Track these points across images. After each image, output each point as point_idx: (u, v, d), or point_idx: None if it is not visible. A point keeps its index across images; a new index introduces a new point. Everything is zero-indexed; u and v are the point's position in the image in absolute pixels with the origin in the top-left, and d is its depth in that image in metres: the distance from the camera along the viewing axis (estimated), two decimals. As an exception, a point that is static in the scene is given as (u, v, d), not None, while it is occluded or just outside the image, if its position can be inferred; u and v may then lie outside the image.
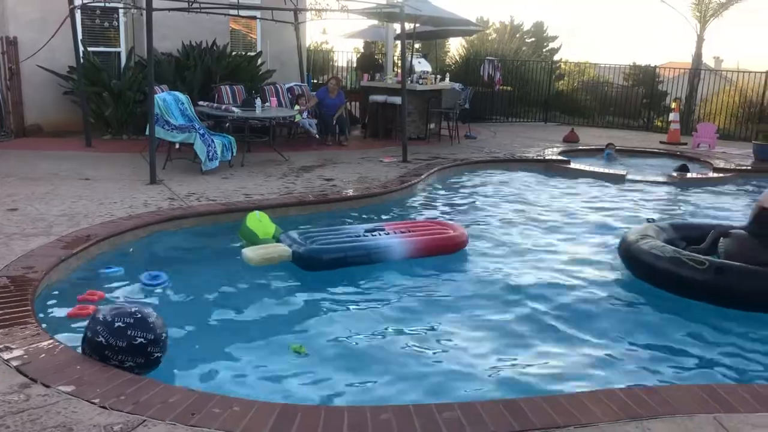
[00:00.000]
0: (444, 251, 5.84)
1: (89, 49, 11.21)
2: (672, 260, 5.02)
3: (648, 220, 6.14)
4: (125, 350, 3.32)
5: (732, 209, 8.36)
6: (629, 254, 5.47)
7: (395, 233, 5.83)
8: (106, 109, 10.86)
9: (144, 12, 8.17)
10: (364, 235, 5.71)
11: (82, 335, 3.46)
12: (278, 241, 5.63)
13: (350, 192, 7.81)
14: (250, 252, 5.35)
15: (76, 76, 10.50)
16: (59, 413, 2.81)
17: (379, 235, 5.76)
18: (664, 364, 4.06)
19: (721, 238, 5.41)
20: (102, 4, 10.30)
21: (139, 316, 3.42)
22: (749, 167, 11.32)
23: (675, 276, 4.98)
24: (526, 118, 18.15)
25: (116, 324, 3.35)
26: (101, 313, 3.42)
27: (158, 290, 4.74)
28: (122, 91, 10.83)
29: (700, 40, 17.82)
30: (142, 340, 3.36)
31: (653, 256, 5.16)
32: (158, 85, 9.72)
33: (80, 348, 3.45)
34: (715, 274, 4.81)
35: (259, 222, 5.76)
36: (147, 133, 8.12)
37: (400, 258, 5.58)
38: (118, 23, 11.96)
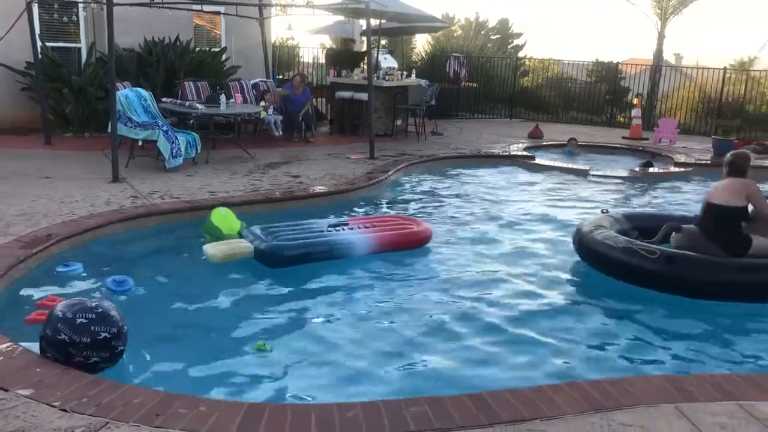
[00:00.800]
0: (407, 246, 5.85)
1: (48, 44, 10.95)
2: (624, 250, 5.14)
3: (602, 211, 6.22)
4: (90, 346, 3.27)
5: (691, 203, 8.52)
6: (583, 245, 5.57)
7: (359, 229, 5.81)
8: (66, 106, 10.62)
9: (105, 6, 8.01)
10: (328, 231, 5.69)
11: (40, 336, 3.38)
12: (241, 237, 5.57)
13: (317, 189, 7.77)
14: (211, 248, 5.29)
15: (34, 72, 10.25)
16: (18, 417, 2.74)
17: (343, 230, 5.74)
18: (626, 354, 4.13)
19: (673, 233, 5.53)
20: (61, -1, 10.08)
21: (100, 310, 3.37)
22: (709, 162, 11.57)
23: (627, 265, 5.10)
24: (492, 115, 18.28)
25: (78, 320, 3.28)
26: (59, 310, 3.34)
27: (121, 297, 4.65)
28: (83, 87, 10.60)
29: (660, 37, 18.13)
30: (106, 334, 3.32)
31: (606, 246, 5.27)
32: (120, 81, 9.55)
33: (39, 349, 3.37)
34: (665, 263, 4.95)
35: (224, 218, 5.70)
36: (109, 130, 7.97)
37: (363, 253, 5.57)
38: (78, 18, 11.71)
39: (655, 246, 5.17)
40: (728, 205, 5.24)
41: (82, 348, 3.26)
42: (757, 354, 4.21)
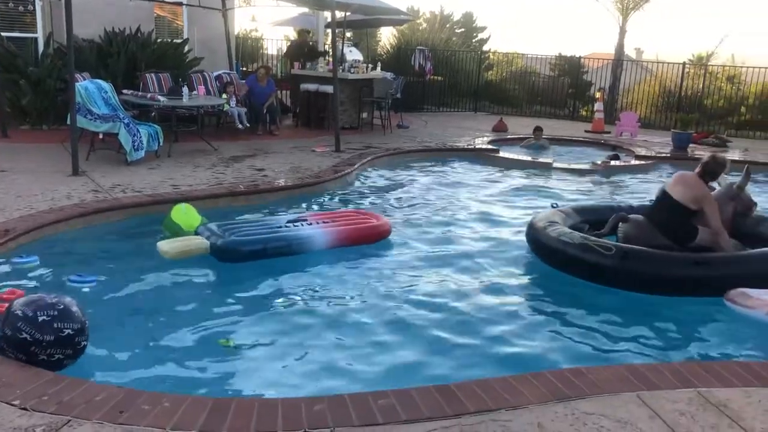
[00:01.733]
0: (367, 240, 5.85)
1: (3, 34, 10.65)
2: (580, 246, 5.12)
3: (552, 206, 6.28)
4: (53, 343, 3.21)
5: (651, 194, 8.67)
6: (537, 241, 5.57)
7: (317, 223, 5.80)
8: (23, 98, 10.35)
9: (62, -4, 7.83)
10: (286, 226, 5.65)
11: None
12: (196, 233, 5.49)
13: (282, 182, 7.73)
14: (165, 245, 5.20)
15: (-12, 63, 9.98)
16: (-24, 417, 2.68)
17: (302, 225, 5.71)
18: (588, 344, 4.20)
19: (621, 223, 5.59)
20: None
21: (62, 307, 3.30)
22: (668, 155, 11.82)
23: (583, 262, 5.09)
24: (457, 108, 18.38)
25: (40, 318, 3.21)
26: (18, 308, 3.25)
27: (84, 288, 4.57)
28: (41, 78, 10.35)
29: (622, 32, 18.41)
30: (70, 331, 3.26)
31: (562, 243, 5.25)
32: (80, 72, 9.34)
33: None
34: (621, 259, 4.95)
35: (184, 214, 5.61)
36: (68, 122, 7.79)
37: (322, 248, 5.55)
38: (35, 7, 11.41)
39: (611, 242, 5.19)
40: (679, 201, 5.34)
41: (46, 346, 3.19)
42: (714, 343, 4.32)
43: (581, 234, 5.36)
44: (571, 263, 5.21)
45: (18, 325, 3.19)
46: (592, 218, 6.04)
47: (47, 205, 6.01)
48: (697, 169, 5.54)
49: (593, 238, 5.28)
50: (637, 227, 5.48)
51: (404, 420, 2.79)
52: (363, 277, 5.20)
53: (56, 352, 3.23)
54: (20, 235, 5.17)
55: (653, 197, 5.75)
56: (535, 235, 5.61)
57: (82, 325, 3.35)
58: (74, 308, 3.36)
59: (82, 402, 2.81)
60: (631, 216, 5.64)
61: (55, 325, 3.23)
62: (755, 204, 5.88)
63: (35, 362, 3.19)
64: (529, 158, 10.87)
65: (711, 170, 5.51)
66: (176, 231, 5.51)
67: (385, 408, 2.87)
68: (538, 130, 12.58)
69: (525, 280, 5.42)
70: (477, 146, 11.57)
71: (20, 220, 5.48)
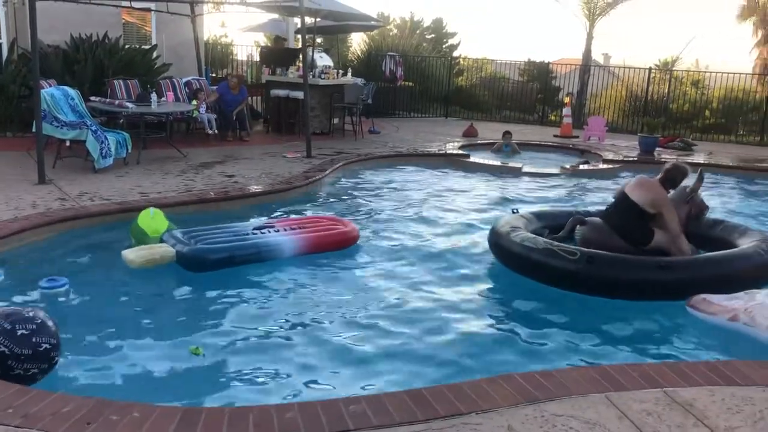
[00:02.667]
0: (335, 247, 5.85)
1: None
2: (544, 251, 5.09)
3: (513, 211, 6.31)
4: (30, 358, 3.17)
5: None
6: (500, 247, 5.53)
7: (285, 230, 5.78)
8: (-14, 105, 10.18)
9: (26, 1, 7.70)
10: (253, 233, 5.62)
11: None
12: (161, 240, 5.43)
13: (253, 188, 7.69)
14: (130, 254, 5.11)
15: (-49, 69, 9.79)
16: (-62, 431, 2.62)
17: (269, 232, 5.69)
18: (556, 347, 4.24)
19: (578, 226, 5.66)
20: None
21: (40, 321, 3.29)
22: (635, 158, 12.02)
23: (547, 267, 5.06)
24: (428, 113, 18.46)
25: (19, 332, 3.17)
26: None
27: (60, 290, 4.52)
28: (4, 85, 10.17)
29: (589, 37, 18.67)
30: (47, 345, 3.23)
31: (525, 248, 5.20)
32: (45, 79, 9.20)
33: None
34: (586, 263, 4.95)
35: (151, 220, 5.53)
36: (34, 130, 7.67)
37: (290, 255, 5.54)
38: (-2, 13, 11.24)
39: (574, 247, 5.19)
40: (638, 203, 5.42)
41: (23, 360, 3.15)
42: (680, 344, 4.41)
43: (545, 239, 5.34)
44: (535, 269, 5.19)
45: (35, 341, 3.17)
46: (551, 223, 6.07)
47: (12, 214, 5.90)
48: (660, 175, 5.66)
49: (557, 243, 5.27)
50: (594, 230, 5.55)
51: (376, 425, 2.79)
52: (331, 284, 5.19)
53: (32, 367, 3.19)
54: (-16, 245, 5.07)
55: (611, 199, 5.84)
56: (497, 241, 5.59)
57: (58, 339, 3.32)
58: (50, 322, 3.34)
59: (49, 414, 2.77)
60: (588, 219, 5.72)
61: (34, 339, 3.20)
62: (707, 207, 6.01)
63: (9, 376, 3.14)
64: (498, 163, 10.97)
65: (672, 177, 5.63)
66: (142, 237, 5.43)
67: (357, 414, 2.87)
68: (507, 134, 12.68)
69: (492, 283, 5.47)
70: (448, 151, 11.64)
71: (-16, 230, 5.38)
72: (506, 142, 12.45)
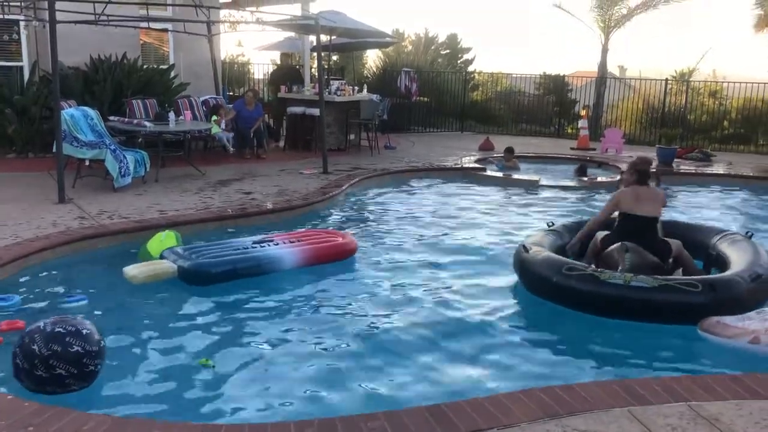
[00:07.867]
0: (334, 259, 5.92)
1: (-12, 63, 10.66)
2: (661, 288, 4.61)
3: (548, 224, 6.19)
4: (98, 354, 3.48)
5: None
6: (528, 272, 5.22)
7: (284, 243, 5.84)
8: (8, 126, 10.32)
9: (47, 24, 7.84)
10: (252, 247, 5.68)
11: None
12: (161, 257, 5.49)
13: (270, 205, 7.72)
14: (132, 270, 5.19)
15: (-27, 92, 9.95)
16: (-40, 450, 2.63)
17: (268, 246, 5.75)
18: (576, 363, 4.19)
19: (627, 253, 5.26)
20: (0, 16, 9.82)
21: (80, 327, 3.51)
22: (654, 170, 11.89)
23: (670, 304, 4.60)
24: (443, 128, 18.46)
25: (84, 331, 3.46)
26: (56, 326, 3.42)
27: (69, 310, 4.54)
28: (26, 107, 10.33)
29: (604, 50, 18.59)
30: (79, 349, 3.39)
31: (633, 289, 4.63)
32: (65, 100, 9.33)
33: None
34: (710, 291, 4.57)
35: (160, 242, 5.62)
36: (54, 150, 7.77)
37: (290, 268, 5.60)
38: (20, 36, 11.43)
39: (667, 277, 4.80)
40: (655, 216, 5.47)
41: (94, 356, 3.44)
42: (705, 358, 4.33)
43: (594, 268, 4.95)
44: (644, 308, 4.63)
45: (67, 340, 3.35)
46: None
47: (33, 234, 5.97)
48: (632, 178, 5.58)
49: (669, 276, 4.89)
50: (637, 253, 5.28)
51: (395, 442, 2.77)
52: (330, 296, 5.24)
53: (100, 363, 3.50)
54: (6, 264, 5.13)
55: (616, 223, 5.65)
56: (530, 268, 5.18)
57: (100, 348, 3.57)
58: (90, 331, 3.60)
59: (69, 432, 2.78)
60: (628, 244, 5.35)
61: (96, 337, 3.51)
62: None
63: (84, 375, 3.40)
64: (515, 176, 10.92)
65: (644, 170, 5.61)
66: (149, 260, 5.51)
67: (377, 431, 2.85)
68: (508, 152, 12.15)
69: (510, 296, 5.40)
70: (464, 165, 11.62)
71: (5, 250, 5.44)
72: (506, 160, 11.91)
